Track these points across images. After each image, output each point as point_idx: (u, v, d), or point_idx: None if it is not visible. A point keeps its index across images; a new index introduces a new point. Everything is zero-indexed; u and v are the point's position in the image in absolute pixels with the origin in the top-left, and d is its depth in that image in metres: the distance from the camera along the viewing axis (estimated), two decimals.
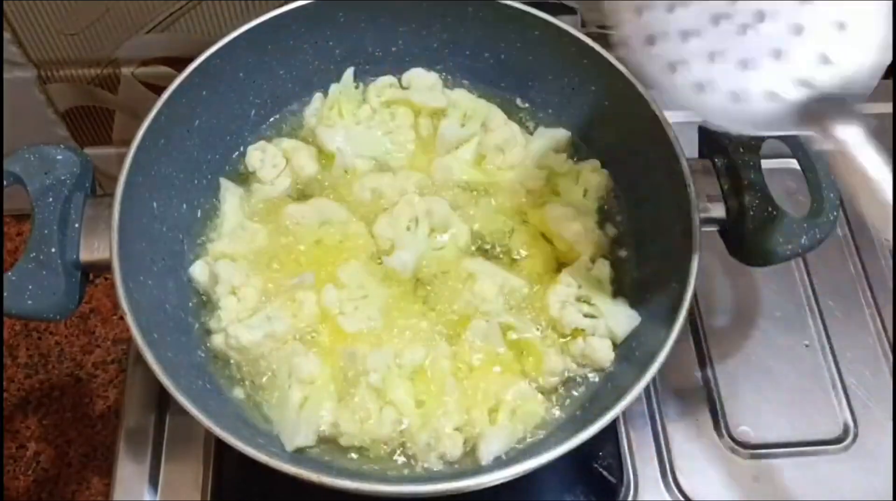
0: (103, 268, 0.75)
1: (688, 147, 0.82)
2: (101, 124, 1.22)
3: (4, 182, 0.78)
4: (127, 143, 0.78)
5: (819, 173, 0.80)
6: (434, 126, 0.92)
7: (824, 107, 0.60)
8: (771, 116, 0.61)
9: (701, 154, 0.85)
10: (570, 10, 1.06)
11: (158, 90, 0.81)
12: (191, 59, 0.83)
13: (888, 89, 1.12)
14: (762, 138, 0.82)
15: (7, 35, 1.06)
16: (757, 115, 0.61)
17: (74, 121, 1.21)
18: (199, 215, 0.88)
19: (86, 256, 0.77)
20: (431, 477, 0.74)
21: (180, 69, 0.82)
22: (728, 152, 0.82)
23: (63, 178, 0.79)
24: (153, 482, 0.86)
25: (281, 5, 0.86)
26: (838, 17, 0.60)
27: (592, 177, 0.89)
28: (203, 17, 1.05)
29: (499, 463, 0.74)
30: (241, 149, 0.91)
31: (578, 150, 0.93)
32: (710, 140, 0.83)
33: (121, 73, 1.13)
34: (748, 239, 0.79)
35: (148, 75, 1.13)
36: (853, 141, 0.60)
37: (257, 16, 0.85)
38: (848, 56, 0.60)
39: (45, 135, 1.21)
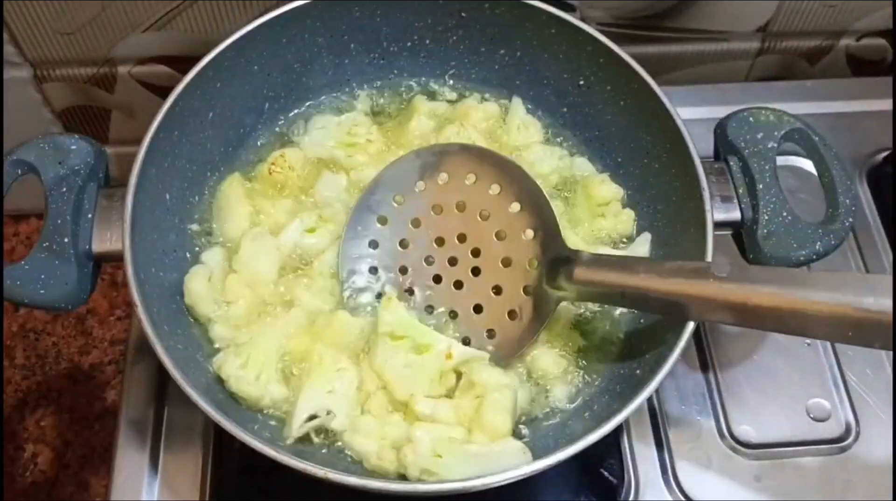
0: (115, 259, 0.76)
1: (701, 144, 0.81)
2: (98, 124, 1.21)
3: (19, 171, 0.79)
4: (124, 142, 0.78)
5: (835, 178, 0.80)
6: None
7: None
8: None
9: (716, 156, 0.85)
10: (570, 8, 1.06)
11: (156, 89, 0.81)
12: (188, 58, 0.83)
13: (887, 87, 1.12)
14: (778, 141, 0.82)
15: (3, 34, 1.05)
16: None
17: (71, 120, 1.20)
18: (211, 207, 0.88)
19: (98, 246, 0.77)
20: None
21: (178, 68, 0.82)
22: (743, 155, 0.81)
23: (77, 168, 0.79)
24: (152, 482, 0.86)
25: (280, 5, 0.86)
26: None
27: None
28: (200, 16, 1.04)
29: None
30: (256, 142, 0.92)
31: (596, 151, 0.93)
32: (726, 142, 0.83)
33: (117, 72, 1.12)
34: (762, 244, 0.79)
35: (145, 74, 1.12)
36: None
37: (254, 14, 0.85)
38: None
39: (41, 134, 1.20)
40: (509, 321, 0.80)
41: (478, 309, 0.81)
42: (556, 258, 0.78)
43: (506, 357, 0.80)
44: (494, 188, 0.82)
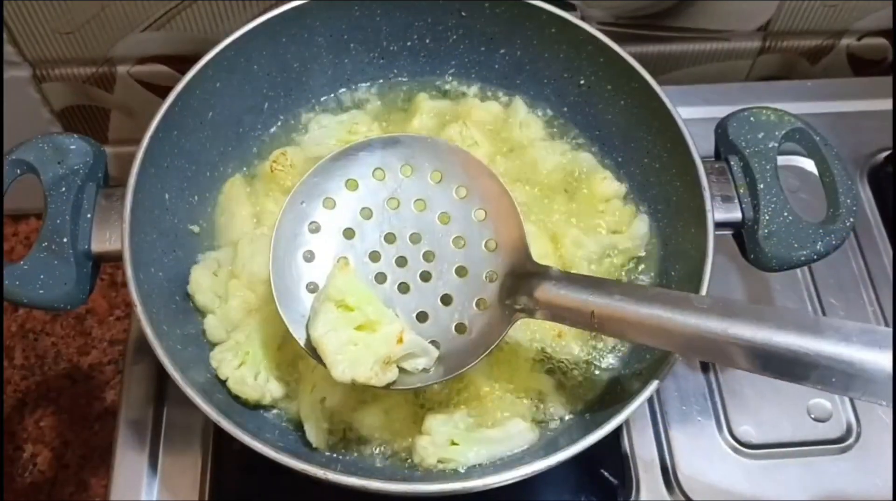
0: (115, 259, 0.76)
1: (702, 144, 0.81)
2: (97, 123, 1.21)
3: (18, 171, 0.79)
4: (123, 142, 0.78)
5: (836, 178, 0.79)
6: None
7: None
8: None
9: (717, 156, 0.85)
10: (570, 7, 1.06)
11: (155, 89, 0.81)
12: (188, 58, 0.83)
13: (888, 87, 1.12)
14: (779, 141, 0.82)
15: (3, 34, 1.05)
16: None
17: (70, 120, 1.20)
18: (210, 207, 0.88)
19: (97, 246, 0.77)
20: (436, 477, 0.74)
21: (177, 68, 0.82)
22: (744, 154, 0.81)
23: (76, 167, 0.79)
24: (151, 482, 0.86)
25: (280, 5, 0.86)
26: None
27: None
28: (199, 15, 1.04)
29: (502, 466, 0.74)
30: (256, 142, 0.92)
31: (597, 150, 0.93)
32: (727, 141, 0.82)
33: (116, 71, 1.12)
34: (763, 243, 0.78)
35: (144, 74, 1.12)
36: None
37: (254, 14, 0.85)
38: None
39: (41, 134, 1.20)
40: (456, 334, 0.73)
41: (421, 318, 0.73)
42: (521, 273, 0.72)
43: (446, 374, 0.72)
44: (461, 192, 0.75)
